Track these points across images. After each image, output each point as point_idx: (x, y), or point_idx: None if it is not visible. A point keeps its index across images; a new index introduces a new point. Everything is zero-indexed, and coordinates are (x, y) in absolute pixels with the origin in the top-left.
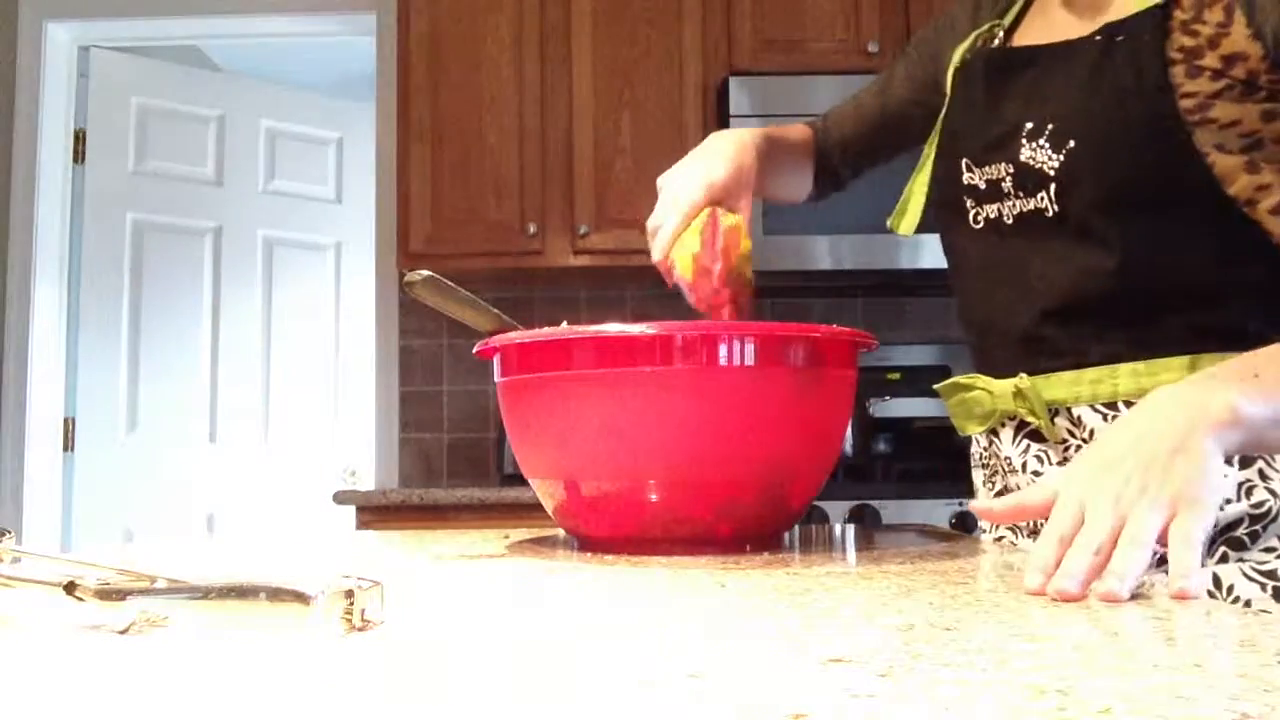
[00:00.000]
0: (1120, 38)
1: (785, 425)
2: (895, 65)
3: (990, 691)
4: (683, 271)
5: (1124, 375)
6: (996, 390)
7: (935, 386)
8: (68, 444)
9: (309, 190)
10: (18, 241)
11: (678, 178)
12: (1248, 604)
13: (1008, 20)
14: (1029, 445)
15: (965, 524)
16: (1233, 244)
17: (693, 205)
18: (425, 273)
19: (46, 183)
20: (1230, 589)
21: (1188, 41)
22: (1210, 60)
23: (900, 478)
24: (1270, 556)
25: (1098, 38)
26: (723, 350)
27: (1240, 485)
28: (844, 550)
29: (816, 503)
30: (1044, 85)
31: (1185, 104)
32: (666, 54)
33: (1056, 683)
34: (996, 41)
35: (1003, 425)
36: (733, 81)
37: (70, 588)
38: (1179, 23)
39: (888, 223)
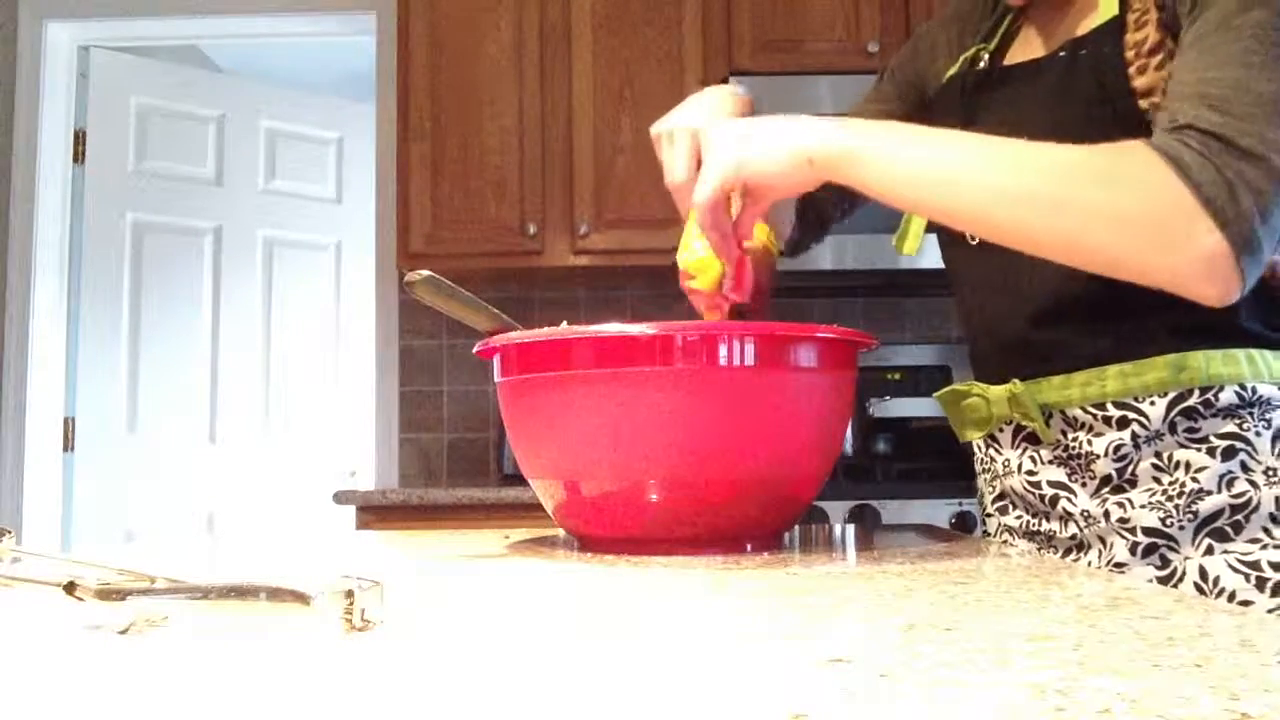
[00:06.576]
0: (1083, 51)
1: (785, 425)
2: (872, 94)
3: (990, 691)
4: (701, 284)
5: (1111, 377)
6: (992, 396)
7: (934, 396)
8: (68, 444)
9: (309, 190)
10: (18, 241)
11: (682, 124)
12: (1232, 595)
13: (993, 44)
14: (1026, 447)
15: (965, 524)
16: None
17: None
18: (425, 273)
19: (46, 183)
20: (1216, 580)
21: (1138, 36)
22: (1153, 52)
23: (900, 478)
24: (1254, 548)
25: (1062, 54)
26: (723, 350)
27: (1221, 477)
28: (844, 550)
29: (816, 503)
30: (1016, 103)
31: (1143, 103)
32: (666, 54)
33: (1056, 683)
34: (982, 64)
35: (1000, 430)
36: (733, 81)
37: (70, 588)
38: (1131, 21)
39: (892, 242)
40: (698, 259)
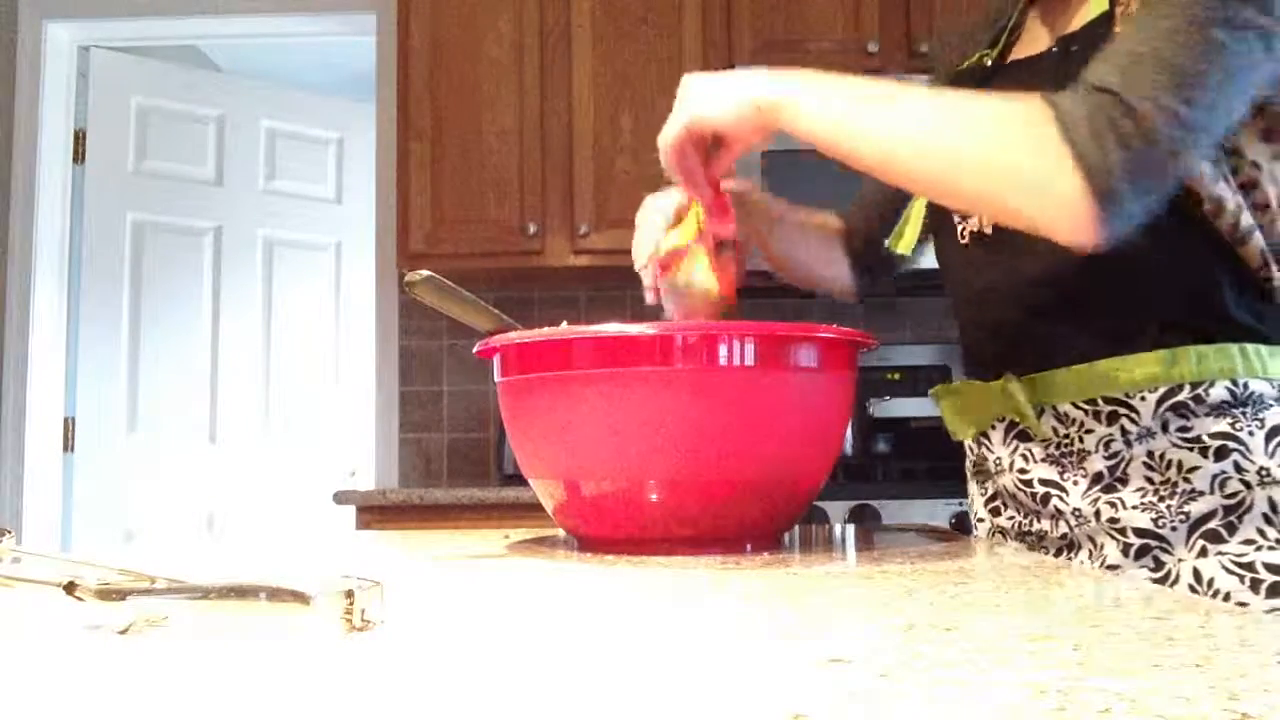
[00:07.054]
0: (1074, 47)
1: (785, 425)
2: None
3: (990, 691)
4: (682, 239)
5: (1101, 371)
6: (985, 393)
7: (929, 393)
8: (68, 444)
9: (309, 190)
10: (18, 241)
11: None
12: (1227, 596)
13: (997, 49)
14: (1017, 445)
15: (965, 524)
16: (1198, 237)
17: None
18: (425, 273)
19: (46, 183)
20: (1210, 582)
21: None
22: None
23: (900, 478)
24: (1249, 549)
25: (1054, 49)
26: (723, 350)
27: (1214, 478)
28: (844, 550)
29: (816, 503)
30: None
31: None
32: (666, 53)
33: (1056, 683)
34: (989, 64)
35: (993, 427)
36: None
37: (70, 588)
38: (1119, 14)
39: (887, 243)
40: (672, 237)
